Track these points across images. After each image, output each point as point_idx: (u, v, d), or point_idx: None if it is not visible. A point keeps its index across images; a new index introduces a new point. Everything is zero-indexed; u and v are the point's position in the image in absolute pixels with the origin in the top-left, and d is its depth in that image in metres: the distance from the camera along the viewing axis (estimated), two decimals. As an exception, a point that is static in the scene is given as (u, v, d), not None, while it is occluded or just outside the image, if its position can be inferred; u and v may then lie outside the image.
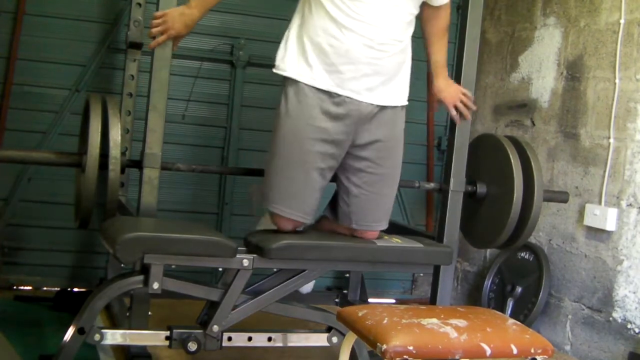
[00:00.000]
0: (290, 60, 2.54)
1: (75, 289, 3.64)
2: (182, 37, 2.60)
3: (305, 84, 2.49)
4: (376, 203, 2.59)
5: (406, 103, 2.69)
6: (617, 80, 3.35)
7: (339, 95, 2.48)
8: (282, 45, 2.61)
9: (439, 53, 2.81)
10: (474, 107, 2.87)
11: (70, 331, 2.28)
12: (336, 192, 2.65)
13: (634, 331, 3.18)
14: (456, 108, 2.83)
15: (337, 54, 2.46)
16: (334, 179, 2.61)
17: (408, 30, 2.61)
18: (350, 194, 2.57)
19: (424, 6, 2.70)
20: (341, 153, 2.54)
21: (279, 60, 2.59)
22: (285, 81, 2.57)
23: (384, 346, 1.63)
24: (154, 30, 2.57)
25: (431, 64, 2.83)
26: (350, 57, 2.46)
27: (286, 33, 2.62)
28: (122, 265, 3.07)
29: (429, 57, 2.85)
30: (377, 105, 2.55)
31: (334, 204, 2.68)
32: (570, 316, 3.53)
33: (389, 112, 2.60)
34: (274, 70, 2.61)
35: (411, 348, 1.62)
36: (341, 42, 2.45)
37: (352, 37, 2.45)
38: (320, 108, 2.48)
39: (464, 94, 2.83)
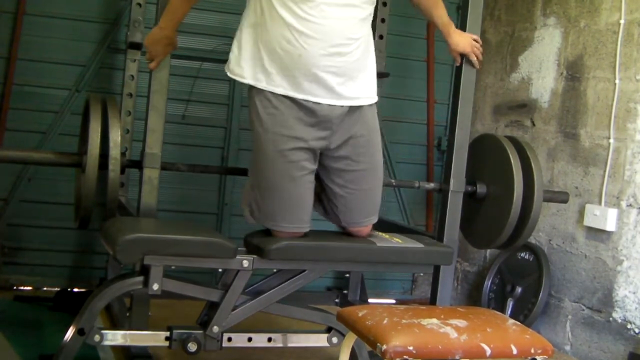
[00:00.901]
0: (246, 65, 2.48)
1: (75, 289, 3.64)
2: (170, 52, 2.70)
3: (267, 91, 2.43)
4: (362, 199, 2.57)
5: (375, 99, 2.61)
6: (617, 81, 3.35)
7: (300, 100, 2.42)
8: (234, 46, 2.55)
9: (442, 16, 2.79)
10: (480, 55, 2.88)
11: (70, 332, 2.28)
12: (321, 190, 2.61)
13: (634, 331, 3.18)
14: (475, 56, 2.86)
15: (291, 58, 2.39)
16: (316, 177, 2.57)
17: (364, 26, 2.51)
18: (336, 195, 2.55)
19: None
20: (317, 155, 2.51)
21: (233, 64, 2.53)
22: (249, 91, 2.50)
23: (384, 346, 1.63)
24: (146, 58, 2.71)
25: (439, 27, 2.83)
26: (303, 61, 2.39)
27: (237, 33, 2.57)
28: (122, 265, 3.08)
29: (434, 24, 2.86)
30: (343, 106, 2.48)
31: (321, 201, 2.65)
32: (570, 316, 3.53)
33: (358, 110, 2.53)
34: (228, 74, 2.54)
35: (411, 348, 1.62)
36: (294, 47, 2.38)
37: (305, 41, 2.38)
38: (292, 116, 2.43)
39: (475, 40, 2.84)
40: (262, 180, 2.47)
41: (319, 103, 2.43)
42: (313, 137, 2.45)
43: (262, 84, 2.44)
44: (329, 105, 2.45)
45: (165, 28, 2.62)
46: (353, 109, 2.51)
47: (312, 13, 2.37)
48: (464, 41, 2.81)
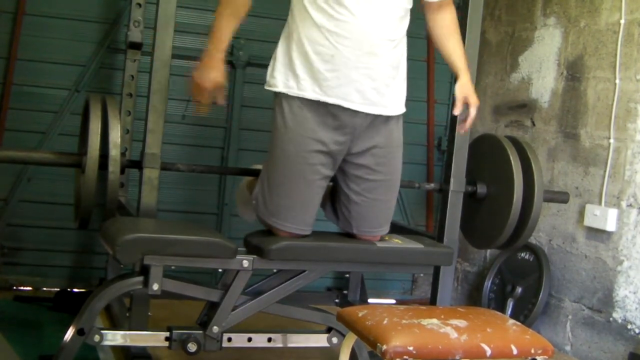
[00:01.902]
0: (278, 75, 2.45)
1: (75, 290, 3.65)
2: (222, 82, 2.46)
3: (296, 97, 2.40)
4: (376, 209, 2.54)
5: (403, 110, 2.57)
6: (617, 81, 3.35)
7: (328, 105, 2.38)
8: (271, 61, 2.51)
9: (454, 54, 2.62)
10: (469, 121, 2.60)
11: (70, 332, 2.28)
12: (335, 193, 2.62)
13: (634, 331, 3.18)
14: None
15: (322, 60, 2.35)
16: (333, 180, 2.58)
17: (401, 26, 2.47)
18: (351, 201, 2.53)
19: (425, 3, 2.60)
20: (337, 162, 2.48)
21: (268, 76, 2.50)
22: (276, 96, 2.48)
23: (384, 346, 1.63)
24: (194, 97, 2.47)
25: (450, 66, 2.66)
26: (335, 63, 2.34)
27: (275, 50, 2.52)
28: (122, 265, 3.07)
29: (445, 57, 2.68)
30: (371, 115, 2.44)
31: (334, 204, 2.65)
32: (570, 316, 3.53)
33: (385, 120, 2.49)
34: (265, 87, 2.51)
35: (411, 348, 1.61)
36: (326, 48, 2.34)
37: (338, 42, 2.33)
38: (315, 120, 2.39)
39: (470, 101, 2.59)
40: (276, 177, 2.46)
41: (342, 106, 2.38)
42: (333, 140, 2.41)
43: (293, 91, 2.40)
44: (357, 111, 2.40)
45: (215, 50, 2.43)
46: (380, 119, 2.47)
47: (344, 12, 2.32)
48: (464, 94, 2.59)
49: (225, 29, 2.43)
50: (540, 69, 3.85)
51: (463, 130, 2.65)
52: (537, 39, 3.89)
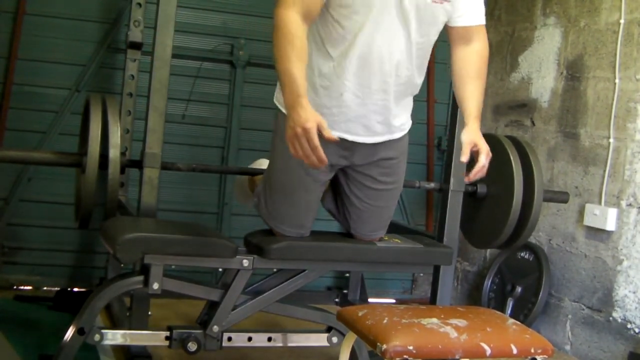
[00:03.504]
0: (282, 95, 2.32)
1: (75, 289, 3.64)
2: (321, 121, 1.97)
3: None
4: (376, 215, 2.52)
5: (410, 124, 2.48)
6: (617, 80, 3.35)
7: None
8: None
9: (470, 99, 2.28)
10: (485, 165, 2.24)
11: (70, 331, 2.28)
12: (337, 187, 2.58)
13: (634, 331, 3.18)
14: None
15: (330, 96, 2.26)
16: (336, 176, 2.54)
17: (422, 61, 2.30)
18: (352, 204, 2.51)
19: (449, 29, 2.33)
20: (340, 166, 2.45)
21: (277, 91, 2.41)
22: (279, 109, 2.42)
23: (384, 346, 1.63)
24: (299, 153, 1.98)
25: (462, 111, 2.31)
26: (343, 100, 2.25)
27: None
28: (122, 265, 3.08)
29: (458, 101, 2.34)
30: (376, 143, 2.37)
31: (334, 195, 2.61)
32: (570, 316, 3.53)
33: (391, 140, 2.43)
34: (275, 101, 2.45)
35: (411, 348, 1.61)
36: (335, 86, 2.24)
37: (348, 79, 2.22)
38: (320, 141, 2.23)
39: (480, 148, 2.22)
40: (276, 183, 2.44)
41: (347, 140, 2.31)
42: (337, 155, 2.36)
43: None
44: (361, 142, 2.35)
45: (299, 97, 1.99)
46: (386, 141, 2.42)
47: (358, 48, 2.16)
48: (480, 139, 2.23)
49: (295, 70, 2.03)
50: (540, 69, 3.85)
51: (467, 180, 2.29)
52: (537, 39, 3.89)
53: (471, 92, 2.28)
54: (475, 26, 2.31)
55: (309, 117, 1.92)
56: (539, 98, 3.85)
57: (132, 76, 3.53)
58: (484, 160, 2.18)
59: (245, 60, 3.96)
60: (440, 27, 2.29)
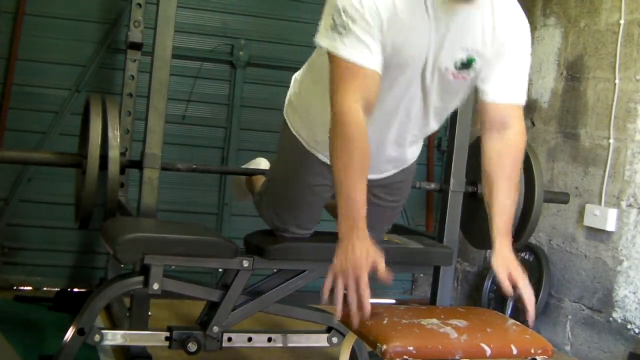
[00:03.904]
0: (296, 123, 2.25)
1: (75, 290, 3.64)
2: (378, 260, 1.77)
3: (306, 148, 2.23)
4: (378, 225, 2.41)
5: (420, 150, 2.35)
6: (617, 81, 3.35)
7: None
8: (295, 87, 2.28)
9: (502, 210, 1.95)
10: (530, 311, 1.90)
11: (70, 332, 2.28)
12: None
13: (634, 331, 3.18)
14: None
15: None
16: None
17: (444, 114, 2.14)
18: None
19: (478, 103, 2.02)
20: None
21: (287, 107, 2.30)
22: (288, 126, 2.28)
23: (384, 346, 1.63)
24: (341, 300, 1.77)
25: (491, 224, 1.95)
26: None
27: (302, 75, 2.27)
28: (122, 265, 3.08)
29: (485, 203, 1.99)
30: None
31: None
32: (570, 316, 3.53)
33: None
34: (285, 115, 2.31)
35: (411, 348, 1.61)
36: None
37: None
38: (324, 166, 2.17)
39: (517, 280, 1.94)
40: (280, 193, 2.39)
41: None
42: None
43: (312, 150, 2.22)
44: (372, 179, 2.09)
45: (359, 221, 1.77)
46: None
47: (376, 110, 1.93)
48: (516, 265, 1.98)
49: (356, 192, 1.78)
50: (540, 69, 3.85)
51: (531, 320, 1.90)
52: (537, 39, 3.89)
53: (502, 201, 1.94)
54: (509, 105, 1.99)
55: (364, 255, 1.71)
56: (539, 98, 3.85)
57: (132, 76, 3.53)
58: (528, 294, 1.92)
59: (245, 61, 3.96)
60: (468, 93, 2.08)
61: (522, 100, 2.03)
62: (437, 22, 1.87)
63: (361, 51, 1.81)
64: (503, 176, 1.95)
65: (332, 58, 1.85)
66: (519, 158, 2.02)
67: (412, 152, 2.30)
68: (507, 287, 1.87)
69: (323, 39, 1.88)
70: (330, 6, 1.88)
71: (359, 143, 1.80)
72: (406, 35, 1.86)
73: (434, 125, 2.15)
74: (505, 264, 1.90)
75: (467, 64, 1.93)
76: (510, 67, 1.99)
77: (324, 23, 1.89)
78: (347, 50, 1.81)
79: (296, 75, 2.34)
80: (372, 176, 2.15)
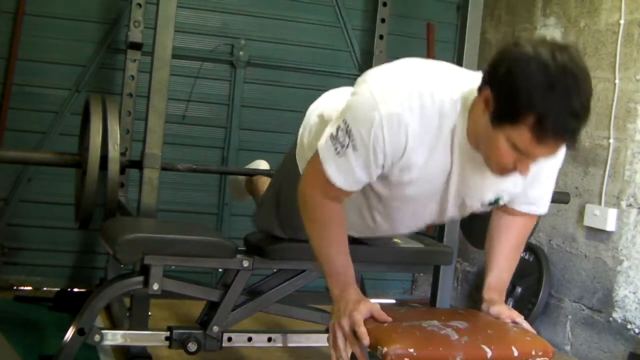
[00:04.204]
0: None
1: (75, 290, 3.64)
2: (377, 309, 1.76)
3: None
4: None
5: None
6: (617, 81, 3.35)
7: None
8: (305, 136, 2.15)
9: (503, 270, 1.95)
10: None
11: (70, 332, 2.28)
12: None
13: (634, 331, 3.18)
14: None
15: (355, 223, 2.02)
16: None
17: None
18: None
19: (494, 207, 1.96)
20: None
21: (298, 147, 2.18)
22: (297, 166, 2.15)
23: (385, 349, 1.62)
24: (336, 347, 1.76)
25: (486, 278, 1.95)
26: (368, 225, 2.02)
27: (312, 125, 2.12)
28: (122, 265, 3.08)
29: (486, 267, 1.97)
30: None
31: None
32: (570, 316, 3.53)
33: None
34: (297, 158, 2.17)
35: (412, 350, 1.61)
36: (363, 216, 1.99)
37: (376, 218, 1.97)
38: None
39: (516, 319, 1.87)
40: (289, 207, 2.22)
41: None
42: None
43: None
44: None
45: (347, 286, 1.79)
46: None
47: (395, 212, 1.91)
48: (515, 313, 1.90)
49: (339, 261, 1.82)
50: (540, 69, 3.84)
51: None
52: (537, 39, 3.89)
53: (501, 264, 1.94)
54: (528, 214, 1.96)
55: (362, 311, 1.72)
56: (539, 98, 3.84)
57: (132, 76, 3.53)
58: (527, 326, 1.86)
59: (245, 61, 3.96)
60: None
61: (544, 210, 1.97)
62: (461, 168, 1.74)
63: (345, 178, 1.73)
64: (508, 251, 1.96)
65: (317, 163, 1.76)
66: (526, 234, 2.01)
67: (407, 232, 2.20)
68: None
69: (322, 142, 1.76)
70: (342, 115, 1.74)
71: (333, 226, 1.81)
72: (420, 178, 1.74)
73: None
74: (497, 309, 1.88)
75: (494, 202, 1.87)
76: (539, 186, 1.95)
77: (331, 126, 1.76)
78: (334, 171, 1.73)
79: (310, 116, 2.17)
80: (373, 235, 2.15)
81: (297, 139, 2.20)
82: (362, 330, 1.69)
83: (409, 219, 1.96)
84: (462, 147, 1.71)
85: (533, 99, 1.52)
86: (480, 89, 1.64)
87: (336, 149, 1.72)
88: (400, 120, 1.65)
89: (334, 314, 1.78)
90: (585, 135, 3.52)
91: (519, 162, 1.63)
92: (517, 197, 1.89)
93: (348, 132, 1.70)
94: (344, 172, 1.73)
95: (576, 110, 1.61)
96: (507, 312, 1.86)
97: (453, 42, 4.20)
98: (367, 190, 1.84)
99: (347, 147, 1.70)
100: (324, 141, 1.76)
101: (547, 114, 1.53)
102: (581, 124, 1.63)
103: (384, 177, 1.76)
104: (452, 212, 1.89)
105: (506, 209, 1.94)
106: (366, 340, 1.68)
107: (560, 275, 3.61)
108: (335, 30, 4.12)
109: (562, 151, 1.83)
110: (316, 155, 1.77)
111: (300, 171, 2.07)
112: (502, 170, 1.67)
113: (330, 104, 2.07)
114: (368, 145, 1.67)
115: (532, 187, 1.91)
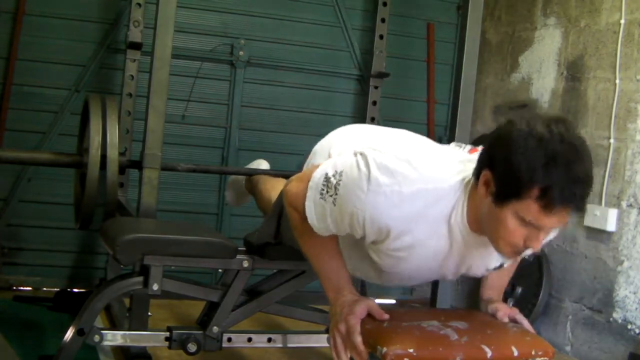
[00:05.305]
0: None
1: (75, 290, 3.64)
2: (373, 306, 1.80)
3: None
4: None
5: None
6: (617, 81, 3.35)
7: None
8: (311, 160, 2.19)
9: (502, 272, 2.01)
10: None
11: (70, 332, 2.28)
12: None
13: (634, 332, 3.18)
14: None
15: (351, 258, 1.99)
16: None
17: None
18: None
19: None
20: None
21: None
22: None
23: (384, 349, 1.62)
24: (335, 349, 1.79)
25: (484, 282, 2.02)
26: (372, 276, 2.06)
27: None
28: (122, 266, 3.07)
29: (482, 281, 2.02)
30: None
31: None
32: (570, 317, 3.53)
33: None
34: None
35: (411, 351, 1.61)
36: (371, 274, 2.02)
37: (379, 276, 2.00)
38: None
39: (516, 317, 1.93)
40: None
41: None
42: None
43: None
44: None
45: (345, 290, 1.84)
46: None
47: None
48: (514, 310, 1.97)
49: (331, 262, 1.89)
50: (541, 69, 3.85)
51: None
52: (537, 39, 3.89)
53: (493, 281, 2.01)
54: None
55: (361, 310, 1.75)
56: (540, 98, 3.85)
57: (132, 76, 3.53)
58: (526, 324, 1.91)
59: (245, 60, 3.96)
60: None
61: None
62: (463, 248, 1.75)
63: (317, 219, 1.77)
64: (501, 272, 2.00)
65: (305, 185, 1.79)
66: (511, 272, 2.08)
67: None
68: (502, 317, 1.91)
69: (318, 172, 1.78)
70: (344, 165, 1.73)
71: (324, 242, 1.85)
72: (416, 256, 1.75)
73: None
74: (495, 306, 1.93)
75: (498, 267, 1.91)
76: None
77: (333, 165, 1.77)
78: (310, 207, 1.77)
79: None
80: None
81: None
82: (358, 341, 1.71)
83: (408, 280, 2.03)
84: (462, 232, 1.71)
85: (536, 173, 1.53)
86: (478, 173, 1.64)
87: (321, 190, 1.75)
88: (382, 215, 1.65)
89: (332, 317, 1.81)
90: (585, 135, 3.51)
91: (529, 238, 1.64)
92: None
93: (336, 188, 1.72)
94: (319, 214, 1.76)
95: (580, 178, 1.61)
96: (505, 309, 1.90)
97: (453, 42, 4.20)
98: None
99: (330, 197, 1.73)
100: (319, 174, 1.78)
101: (552, 185, 1.53)
102: (587, 190, 1.63)
103: (375, 243, 1.76)
104: (455, 277, 1.90)
105: None
106: (363, 353, 1.70)
107: (560, 275, 3.61)
108: (335, 30, 4.12)
109: None
110: (308, 178, 1.79)
111: None
112: (513, 249, 1.68)
113: (343, 142, 2.08)
114: (345, 214, 1.70)
115: None
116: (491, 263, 1.85)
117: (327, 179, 1.75)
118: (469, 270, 1.85)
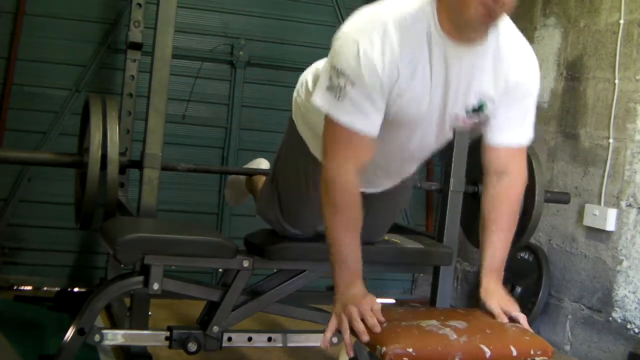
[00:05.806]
0: (300, 124, 2.21)
1: (76, 289, 3.65)
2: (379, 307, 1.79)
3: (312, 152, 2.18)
4: (373, 228, 2.35)
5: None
6: (616, 81, 3.35)
7: None
8: (301, 96, 2.21)
9: (497, 248, 1.96)
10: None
11: (71, 332, 2.28)
12: None
13: (634, 331, 3.19)
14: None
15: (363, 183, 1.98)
16: None
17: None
18: None
19: (483, 149, 1.98)
20: None
21: (294, 106, 2.25)
22: (295, 127, 2.23)
23: (384, 348, 1.62)
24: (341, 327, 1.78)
25: (482, 261, 1.98)
26: (378, 177, 2.11)
27: (314, 73, 2.14)
28: (122, 265, 3.08)
29: (480, 249, 2.00)
30: None
31: None
32: (570, 316, 3.53)
33: None
34: (292, 115, 2.26)
35: (410, 350, 1.61)
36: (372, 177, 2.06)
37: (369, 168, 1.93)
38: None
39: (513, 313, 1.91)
40: (288, 189, 2.32)
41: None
42: None
43: (317, 154, 2.14)
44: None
45: (355, 278, 1.85)
46: None
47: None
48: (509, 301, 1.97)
49: (351, 253, 1.85)
50: (540, 69, 3.84)
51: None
52: (537, 39, 3.89)
53: (494, 251, 1.96)
54: (508, 149, 1.96)
55: (363, 298, 1.77)
56: (539, 99, 3.82)
57: (132, 76, 3.53)
58: (523, 321, 1.89)
59: (245, 60, 3.97)
60: None
61: (525, 140, 2.00)
62: (445, 69, 1.79)
63: (357, 116, 1.75)
64: (498, 225, 1.96)
65: (328, 120, 1.78)
66: (516, 205, 2.00)
67: (415, 168, 2.25)
68: (501, 317, 1.89)
69: (319, 98, 1.79)
70: (328, 64, 1.80)
71: (350, 212, 1.82)
72: (410, 95, 1.79)
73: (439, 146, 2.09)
74: (495, 298, 1.93)
75: (478, 109, 1.89)
76: (518, 109, 1.96)
77: (321, 81, 1.80)
78: (343, 115, 1.75)
79: (302, 80, 2.25)
80: (370, 190, 2.16)
81: (292, 105, 2.27)
82: (373, 322, 1.71)
83: (400, 159, 2.02)
84: (441, 46, 1.76)
85: None
86: None
87: (336, 95, 1.75)
88: (383, 39, 1.72)
89: (335, 306, 1.79)
90: (584, 135, 3.52)
91: None
92: (497, 120, 1.91)
93: (339, 72, 1.75)
94: (352, 111, 1.75)
95: None
96: (503, 305, 1.90)
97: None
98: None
99: (345, 86, 1.74)
100: (323, 100, 1.78)
101: None
102: None
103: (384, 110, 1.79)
104: (445, 135, 1.94)
105: (491, 149, 1.94)
106: (377, 328, 1.70)
107: (560, 275, 3.61)
108: (335, 30, 4.12)
109: (535, 83, 2.00)
110: (326, 118, 1.79)
111: (298, 129, 2.17)
112: (483, 6, 1.68)
113: (320, 64, 2.10)
114: (360, 73, 1.72)
115: (510, 106, 1.92)
116: (469, 100, 1.86)
117: (329, 87, 1.76)
118: (454, 107, 1.85)
